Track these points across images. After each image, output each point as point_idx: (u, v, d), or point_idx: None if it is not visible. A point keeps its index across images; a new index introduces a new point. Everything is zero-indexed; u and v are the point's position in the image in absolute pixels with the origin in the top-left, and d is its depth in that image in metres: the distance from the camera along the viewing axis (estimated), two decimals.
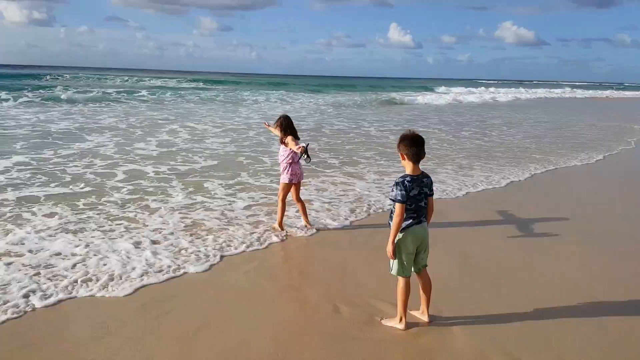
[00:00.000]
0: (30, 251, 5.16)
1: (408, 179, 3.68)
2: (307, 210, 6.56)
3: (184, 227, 6.15)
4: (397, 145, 3.78)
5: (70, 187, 7.88)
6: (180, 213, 6.72)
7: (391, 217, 3.74)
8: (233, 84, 53.61)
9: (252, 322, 3.92)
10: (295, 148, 5.90)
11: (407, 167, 3.74)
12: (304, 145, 5.84)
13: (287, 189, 6.22)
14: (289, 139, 6.03)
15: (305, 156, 5.77)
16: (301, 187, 6.51)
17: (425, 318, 3.96)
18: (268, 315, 4.08)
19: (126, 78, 54.57)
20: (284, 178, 6.19)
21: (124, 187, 7.99)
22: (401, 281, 3.82)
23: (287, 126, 6.11)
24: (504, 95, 49.84)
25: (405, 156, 3.73)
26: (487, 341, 3.67)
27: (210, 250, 5.41)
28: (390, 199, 3.72)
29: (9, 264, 4.81)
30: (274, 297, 4.44)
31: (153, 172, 9.22)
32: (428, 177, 3.81)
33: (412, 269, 3.86)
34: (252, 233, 6.00)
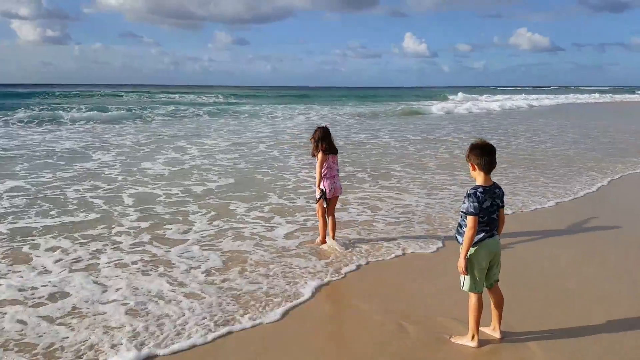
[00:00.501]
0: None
1: (480, 190, 3.55)
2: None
3: (225, 260, 5.30)
4: (467, 155, 3.64)
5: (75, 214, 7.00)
6: (208, 243, 5.86)
7: (459, 231, 3.66)
8: (250, 97, 53.00)
9: (316, 347, 3.70)
10: (317, 179, 5.78)
11: (478, 177, 3.61)
12: (323, 189, 5.75)
13: (324, 203, 5.96)
14: (319, 155, 5.72)
15: (322, 199, 5.77)
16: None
17: (497, 335, 3.82)
18: (333, 339, 3.91)
19: (139, 94, 54.45)
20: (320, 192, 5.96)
21: (131, 214, 7.06)
22: (473, 297, 3.69)
23: (320, 139, 5.79)
24: (523, 101, 47.76)
25: (475, 166, 3.60)
26: (567, 357, 3.50)
27: (280, 290, 4.55)
28: (462, 212, 3.58)
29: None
30: (338, 319, 4.29)
31: (164, 194, 8.30)
32: (499, 188, 3.68)
33: (484, 285, 3.72)
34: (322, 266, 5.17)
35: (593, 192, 8.81)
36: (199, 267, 5.09)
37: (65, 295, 4.41)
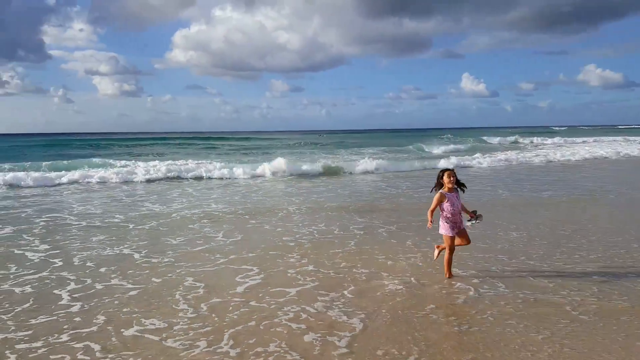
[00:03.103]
0: None
1: None
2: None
3: None
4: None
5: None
6: None
7: None
8: (305, 146, 52.82)
9: None
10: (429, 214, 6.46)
11: None
12: (431, 222, 6.38)
13: (450, 241, 6.55)
14: (437, 195, 6.49)
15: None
16: None
17: None
18: None
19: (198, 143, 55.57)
20: (443, 230, 6.56)
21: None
22: None
23: (438, 177, 6.60)
24: (608, 148, 36.75)
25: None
26: None
27: None
28: None
29: None
30: None
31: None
32: None
33: None
34: None
35: None
36: None
37: None
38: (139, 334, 5.12)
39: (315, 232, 10.00)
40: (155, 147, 50.06)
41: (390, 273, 7.09)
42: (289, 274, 7.14)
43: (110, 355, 4.64)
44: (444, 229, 6.55)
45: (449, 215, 6.48)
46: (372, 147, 47.04)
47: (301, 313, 5.63)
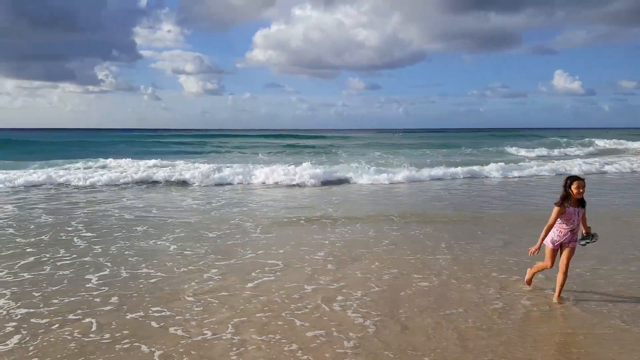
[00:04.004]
0: None
1: None
2: None
3: None
4: None
5: None
6: None
7: None
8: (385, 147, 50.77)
9: None
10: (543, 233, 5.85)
11: None
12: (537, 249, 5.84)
13: (551, 255, 6.01)
14: (557, 209, 5.75)
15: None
16: None
17: None
18: None
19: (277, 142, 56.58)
20: (547, 240, 5.96)
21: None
22: None
23: (565, 185, 5.79)
24: None
25: None
26: None
27: None
28: None
29: None
30: None
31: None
32: None
33: None
34: None
35: None
36: None
37: None
38: (141, 319, 5.61)
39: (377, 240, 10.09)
40: (249, 147, 45.79)
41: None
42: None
43: (106, 335, 5.17)
44: (548, 239, 5.94)
45: (561, 231, 5.85)
46: (454, 149, 43.38)
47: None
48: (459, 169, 21.74)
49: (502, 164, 23.42)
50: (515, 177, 21.66)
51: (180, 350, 4.83)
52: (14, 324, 5.44)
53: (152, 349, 4.84)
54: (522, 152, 38.49)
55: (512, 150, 39.57)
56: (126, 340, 5.03)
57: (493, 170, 22.19)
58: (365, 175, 19.84)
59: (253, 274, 7.32)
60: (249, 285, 6.80)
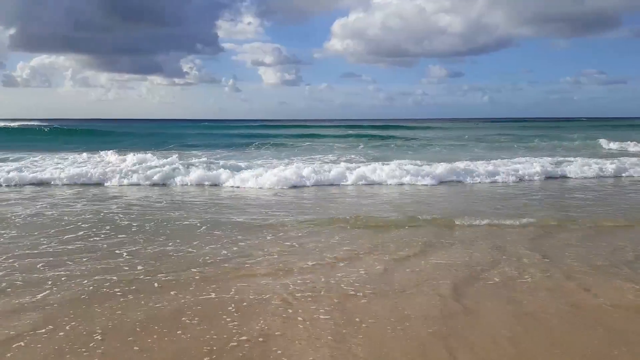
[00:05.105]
0: None
1: None
2: None
3: None
4: None
5: None
6: None
7: None
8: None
9: None
10: None
11: None
12: None
13: None
14: None
15: None
16: None
17: None
18: None
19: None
20: None
21: None
22: None
23: None
24: None
25: None
26: None
27: None
28: None
29: None
30: None
31: None
32: None
33: None
34: None
35: None
36: None
37: None
38: (146, 286, 5.64)
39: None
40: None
41: None
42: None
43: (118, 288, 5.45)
44: None
45: None
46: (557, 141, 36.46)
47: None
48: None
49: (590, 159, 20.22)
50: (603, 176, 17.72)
51: None
52: None
53: None
54: (614, 145, 32.31)
55: (603, 142, 33.70)
56: None
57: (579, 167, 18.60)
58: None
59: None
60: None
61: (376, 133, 46.54)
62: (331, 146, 31.54)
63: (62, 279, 5.96)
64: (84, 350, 4.21)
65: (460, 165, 17.41)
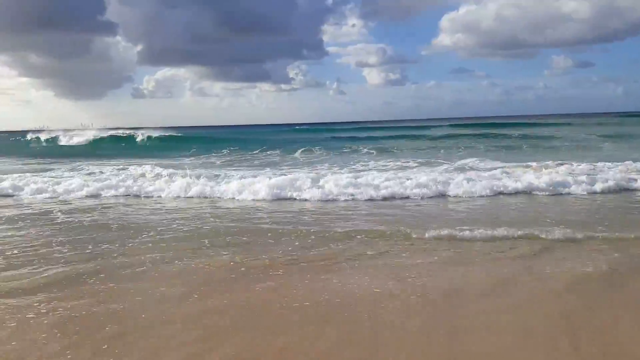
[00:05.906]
0: None
1: None
2: None
3: None
4: None
5: None
6: None
7: None
8: None
9: None
10: None
11: None
12: None
13: None
14: None
15: None
16: None
17: None
18: None
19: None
20: None
21: None
22: None
23: None
24: None
25: None
26: None
27: None
28: None
29: None
30: None
31: None
32: None
33: None
34: None
35: None
36: None
37: None
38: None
39: None
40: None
41: None
42: None
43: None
44: None
45: None
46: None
47: None
48: None
49: None
50: None
51: None
52: None
53: None
54: None
55: None
56: None
57: None
58: None
59: None
60: None
61: (500, 132, 41.62)
62: (456, 148, 28.19)
63: None
64: None
65: None
